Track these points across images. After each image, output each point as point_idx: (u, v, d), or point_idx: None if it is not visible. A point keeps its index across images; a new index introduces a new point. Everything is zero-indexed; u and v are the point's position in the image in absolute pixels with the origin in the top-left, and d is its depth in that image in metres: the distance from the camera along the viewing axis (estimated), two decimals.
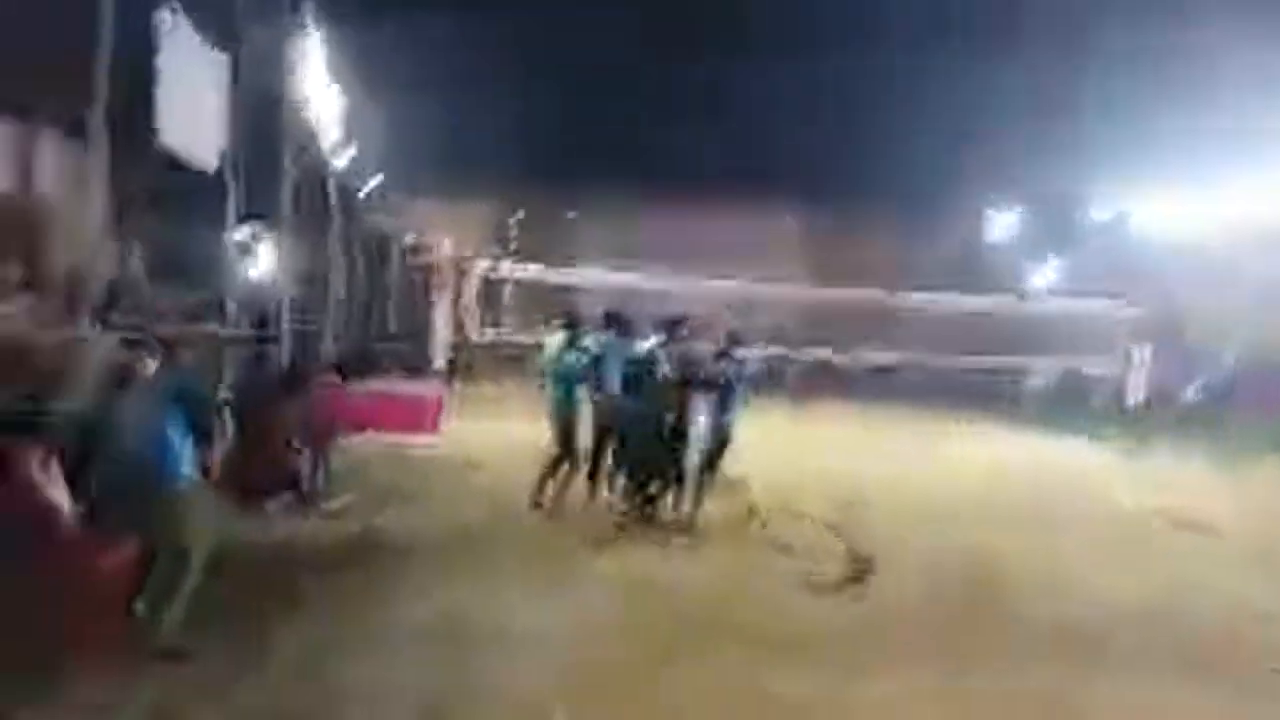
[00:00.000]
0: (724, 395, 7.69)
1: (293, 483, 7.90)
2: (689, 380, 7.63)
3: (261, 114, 12.54)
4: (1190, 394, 18.06)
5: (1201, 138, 17.91)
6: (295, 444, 8.08)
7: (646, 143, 26.96)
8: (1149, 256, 21.78)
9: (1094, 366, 19.09)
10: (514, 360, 23.38)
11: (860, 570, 5.71)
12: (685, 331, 7.95)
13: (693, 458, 7.67)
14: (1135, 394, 15.87)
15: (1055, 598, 6.23)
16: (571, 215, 29.23)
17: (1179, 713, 4.45)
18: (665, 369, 7.59)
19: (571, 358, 7.83)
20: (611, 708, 4.19)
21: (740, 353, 8.09)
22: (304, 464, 8.04)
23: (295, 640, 4.76)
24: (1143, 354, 15.93)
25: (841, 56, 22.42)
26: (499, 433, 12.18)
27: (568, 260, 26.52)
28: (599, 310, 9.03)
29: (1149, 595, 6.36)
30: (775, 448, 10.25)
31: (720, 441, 7.75)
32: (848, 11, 22.47)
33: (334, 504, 7.91)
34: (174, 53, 8.09)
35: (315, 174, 16.23)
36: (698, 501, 7.71)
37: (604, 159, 26.89)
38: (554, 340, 8.07)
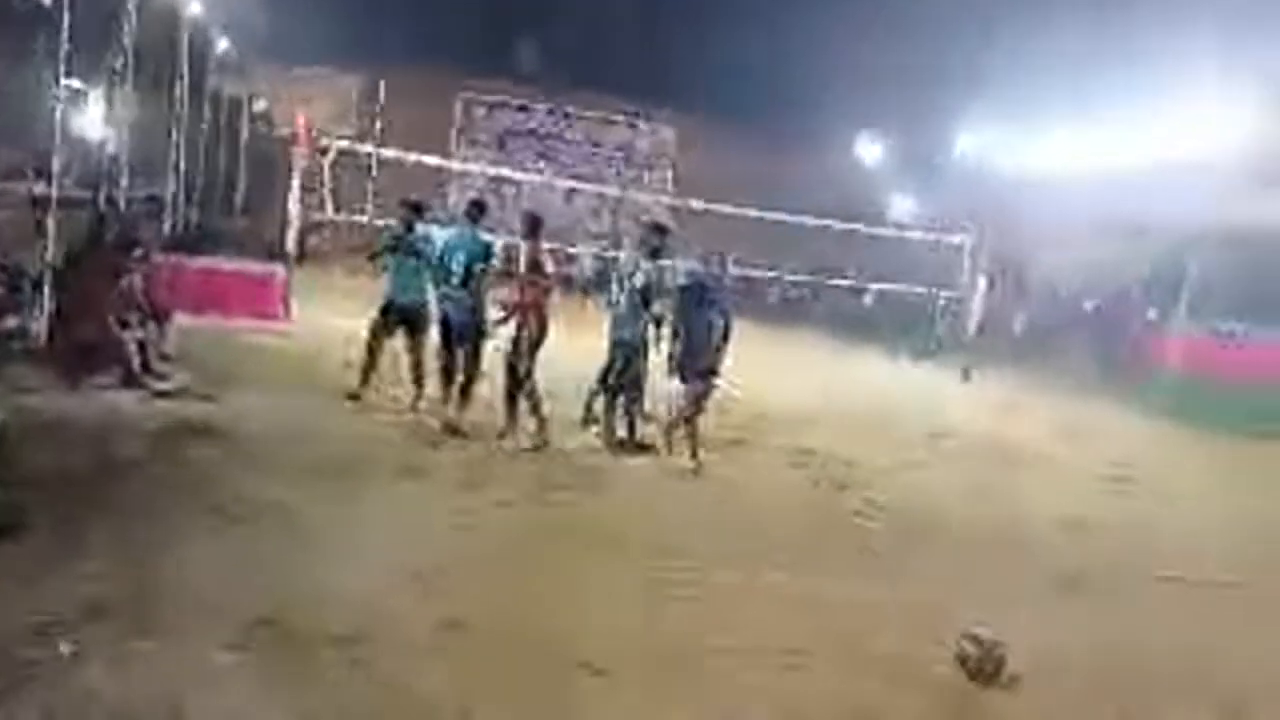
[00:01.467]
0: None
1: (120, 358, 7.48)
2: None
3: None
4: (1018, 325, 19.34)
5: (1051, 78, 18.68)
6: (124, 318, 7.63)
7: (524, 37, 26.03)
8: (997, 190, 22.86)
9: (937, 294, 20.14)
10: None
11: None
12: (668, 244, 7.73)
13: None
14: (972, 323, 16.88)
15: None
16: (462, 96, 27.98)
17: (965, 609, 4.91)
18: (639, 282, 7.38)
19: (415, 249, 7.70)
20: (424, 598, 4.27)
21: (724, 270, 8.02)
22: (133, 340, 7.60)
23: (111, 525, 4.58)
24: (982, 285, 16.89)
25: None
26: (355, 323, 11.79)
27: (438, 143, 25.59)
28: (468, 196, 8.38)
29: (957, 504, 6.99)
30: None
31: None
32: None
33: (164, 384, 7.54)
34: None
35: (160, 23, 14.91)
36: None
37: (482, 45, 25.81)
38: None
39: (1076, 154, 20.68)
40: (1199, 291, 15.32)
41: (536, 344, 7.32)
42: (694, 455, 7.27)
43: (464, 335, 7.38)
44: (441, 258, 7.44)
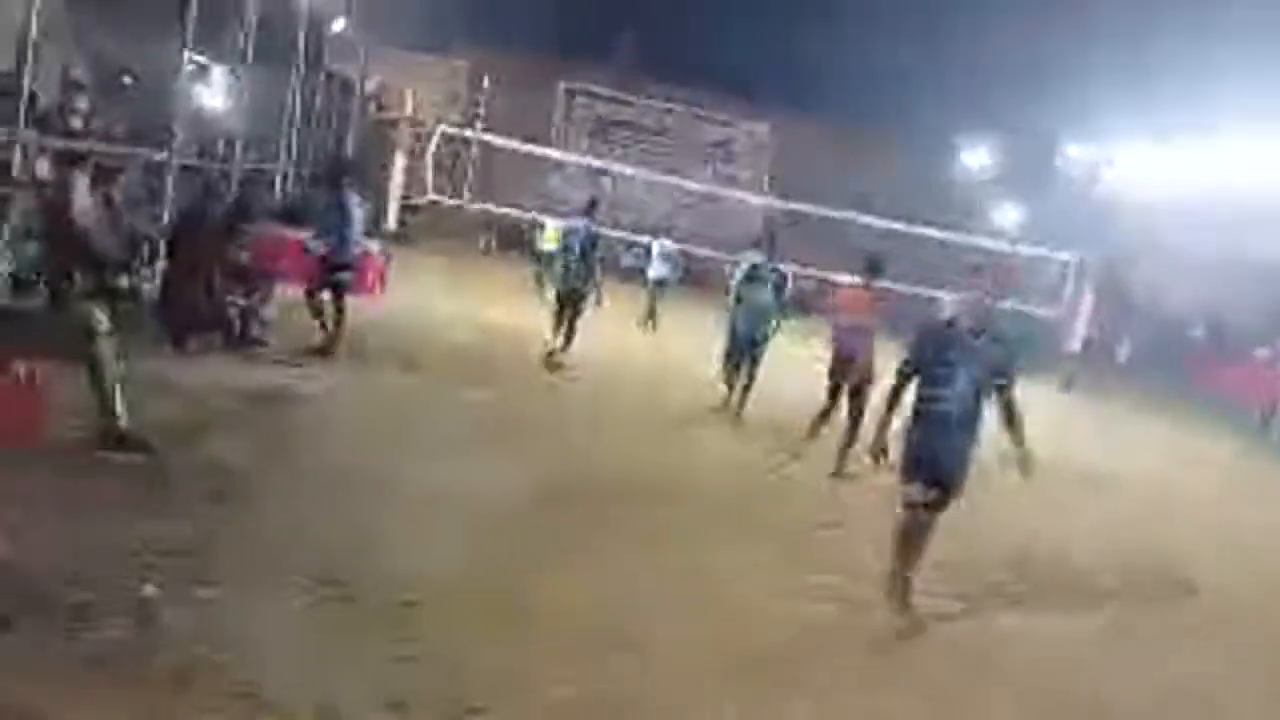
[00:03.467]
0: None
1: (222, 323, 7.76)
2: None
3: None
4: (1123, 353, 18.55)
5: (1187, 92, 17.75)
6: (228, 284, 7.91)
7: (626, 29, 26.08)
8: (1112, 207, 21.92)
9: (1039, 311, 19.46)
10: (475, 228, 23.02)
11: None
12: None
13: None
14: (1072, 343, 16.29)
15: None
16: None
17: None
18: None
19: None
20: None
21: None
22: (235, 306, 7.88)
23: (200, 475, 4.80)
24: (1085, 305, 16.24)
25: None
26: (447, 301, 12.07)
27: (540, 130, 25.86)
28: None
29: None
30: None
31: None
32: None
33: (262, 350, 7.79)
34: None
35: (280, 2, 15.39)
36: None
37: (586, 34, 25.98)
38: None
39: (1197, 173, 19.59)
40: None
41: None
42: None
43: (576, 299, 9.56)
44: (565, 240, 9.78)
